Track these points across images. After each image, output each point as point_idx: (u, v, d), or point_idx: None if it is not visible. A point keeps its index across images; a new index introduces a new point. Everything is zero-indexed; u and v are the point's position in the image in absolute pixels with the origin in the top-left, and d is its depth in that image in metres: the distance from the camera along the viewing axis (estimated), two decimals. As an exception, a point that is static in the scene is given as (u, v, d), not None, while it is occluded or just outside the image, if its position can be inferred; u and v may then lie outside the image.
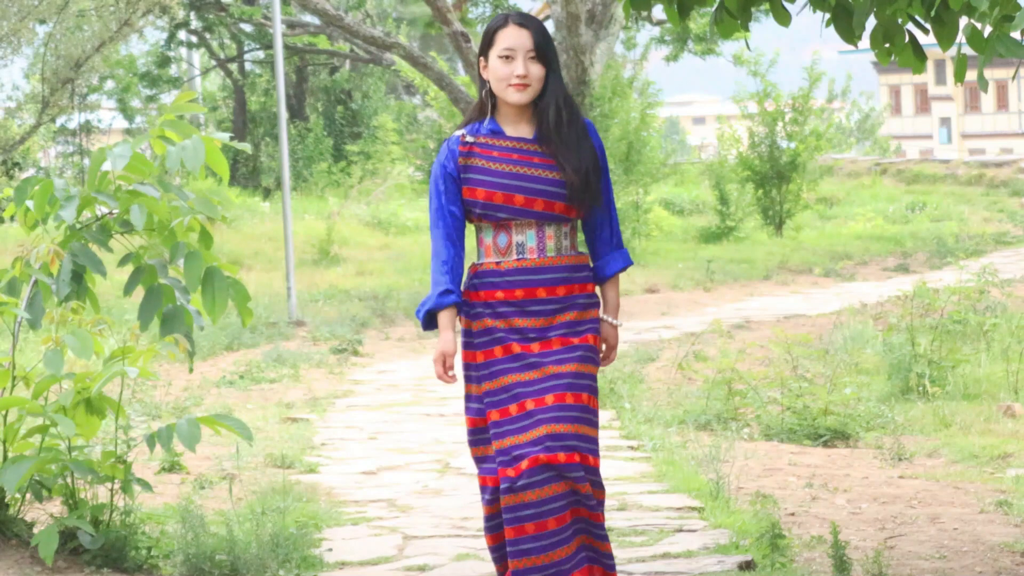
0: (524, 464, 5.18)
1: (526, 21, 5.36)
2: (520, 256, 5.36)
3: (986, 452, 9.18)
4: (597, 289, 5.52)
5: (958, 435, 9.83)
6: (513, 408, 5.26)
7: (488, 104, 5.42)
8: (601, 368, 5.51)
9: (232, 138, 6.80)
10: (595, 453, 5.30)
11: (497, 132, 5.40)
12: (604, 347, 5.51)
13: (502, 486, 5.23)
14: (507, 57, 5.33)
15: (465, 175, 5.36)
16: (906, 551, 6.88)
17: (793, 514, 7.65)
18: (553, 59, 5.36)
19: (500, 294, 5.34)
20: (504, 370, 5.30)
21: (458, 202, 5.36)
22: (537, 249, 5.36)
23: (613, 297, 5.51)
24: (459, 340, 5.42)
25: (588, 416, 5.30)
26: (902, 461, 9.15)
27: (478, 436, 5.39)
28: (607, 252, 5.48)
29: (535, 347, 5.31)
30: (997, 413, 10.46)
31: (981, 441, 9.51)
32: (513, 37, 5.34)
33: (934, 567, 6.61)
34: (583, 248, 5.53)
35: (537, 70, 5.33)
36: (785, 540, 6.65)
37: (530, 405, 5.24)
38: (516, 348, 5.31)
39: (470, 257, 5.49)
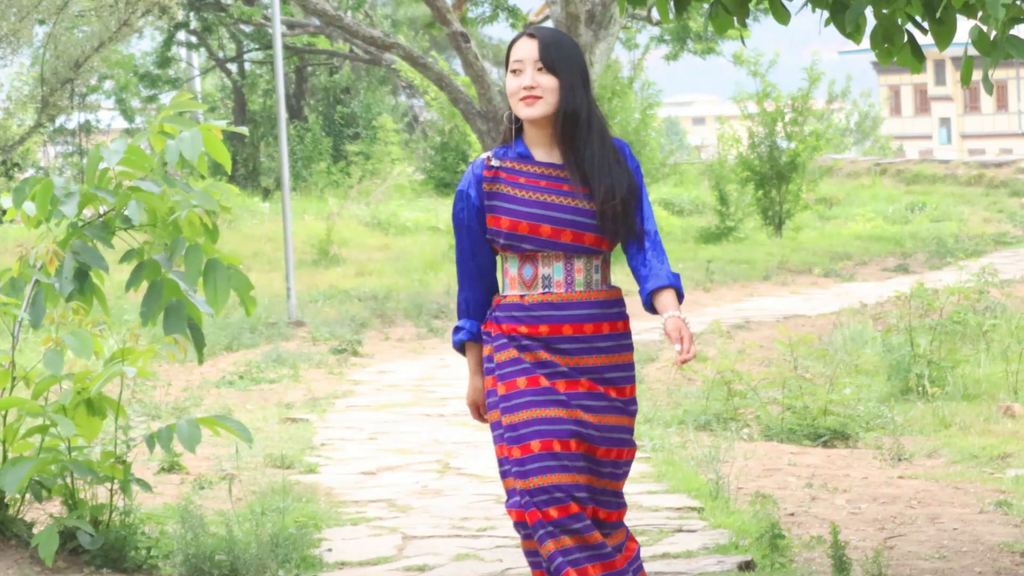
0: (553, 513, 4.85)
1: (537, 31, 4.99)
2: (546, 290, 4.96)
3: (986, 452, 9.18)
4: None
5: (958, 435, 9.83)
6: (536, 444, 4.86)
7: (511, 126, 5.05)
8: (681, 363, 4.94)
9: (230, 123, 6.78)
10: (619, 507, 5.00)
11: (525, 156, 5.01)
12: (680, 339, 4.86)
13: (541, 531, 4.86)
14: (516, 71, 4.96)
15: (489, 202, 4.98)
16: (906, 551, 6.88)
17: (793, 514, 7.65)
18: (564, 69, 4.94)
19: (524, 329, 4.95)
20: (526, 404, 4.91)
21: (481, 235, 5.02)
22: (564, 283, 4.96)
23: (666, 300, 4.94)
24: (466, 372, 5.10)
25: (615, 470, 4.97)
26: (902, 461, 9.15)
27: (506, 467, 5.00)
28: (646, 277, 4.96)
29: (561, 385, 4.91)
30: (997, 413, 10.46)
31: (981, 441, 9.51)
32: (521, 49, 4.97)
33: (934, 567, 6.61)
34: (617, 282, 5.13)
35: (547, 81, 4.93)
36: (785, 540, 6.65)
37: (556, 446, 4.86)
38: (543, 381, 4.91)
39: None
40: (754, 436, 10.05)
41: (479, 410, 5.11)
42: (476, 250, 5.03)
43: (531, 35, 4.99)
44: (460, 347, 5.14)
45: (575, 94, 4.95)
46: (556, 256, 4.96)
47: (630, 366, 5.04)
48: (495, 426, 5.03)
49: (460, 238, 5.06)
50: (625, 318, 5.05)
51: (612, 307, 5.00)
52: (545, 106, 4.95)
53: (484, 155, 5.07)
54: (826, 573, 6.43)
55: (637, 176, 5.03)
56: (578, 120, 4.95)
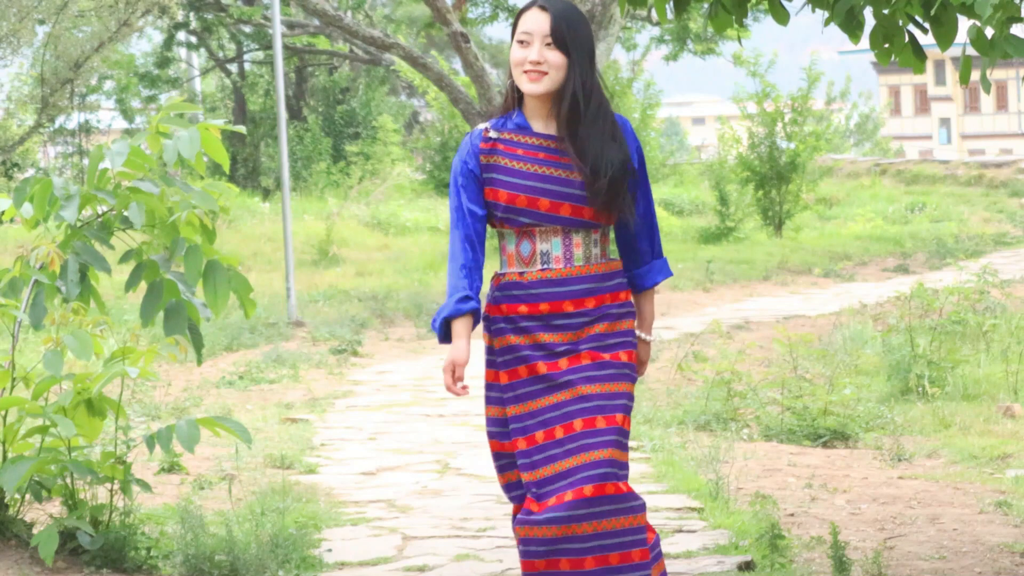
0: (568, 496, 4.73)
1: (550, 4, 4.86)
2: (545, 266, 4.88)
3: (985, 453, 9.18)
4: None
5: (957, 436, 9.83)
6: (540, 435, 4.81)
7: (513, 96, 4.95)
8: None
9: (228, 122, 6.77)
10: (625, 478, 4.83)
11: (523, 128, 4.93)
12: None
13: (523, 516, 4.78)
14: (523, 42, 4.84)
15: (487, 174, 4.89)
16: (905, 552, 6.88)
17: (792, 515, 7.65)
18: (575, 47, 4.83)
19: (524, 308, 4.87)
20: (530, 393, 4.85)
21: (479, 201, 4.90)
22: (563, 258, 4.88)
23: (649, 311, 5.07)
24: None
25: (620, 439, 4.83)
26: (901, 462, 9.15)
27: (503, 462, 4.96)
28: (646, 262, 5.02)
29: (563, 363, 4.84)
30: (996, 414, 10.46)
31: (980, 442, 9.51)
32: (531, 21, 4.85)
33: (933, 568, 6.60)
34: (615, 253, 5.06)
35: (555, 58, 4.83)
36: (785, 541, 6.65)
37: (559, 433, 4.79)
38: (542, 368, 4.84)
39: (490, 261, 5.07)
40: (754, 436, 10.05)
41: (454, 372, 4.86)
42: (476, 219, 4.91)
43: (543, 7, 4.87)
44: (449, 321, 4.89)
45: (582, 72, 4.86)
46: (554, 231, 4.89)
47: (631, 332, 4.96)
48: (493, 422, 4.96)
49: (460, 206, 4.92)
50: (626, 288, 4.98)
51: (612, 279, 4.95)
52: (550, 83, 4.86)
53: (481, 126, 4.99)
54: (826, 573, 6.43)
55: (637, 156, 4.95)
56: (574, 94, 4.86)
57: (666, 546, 7.03)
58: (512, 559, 6.82)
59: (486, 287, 5.11)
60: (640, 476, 8.71)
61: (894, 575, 6.46)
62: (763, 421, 10.24)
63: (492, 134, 4.95)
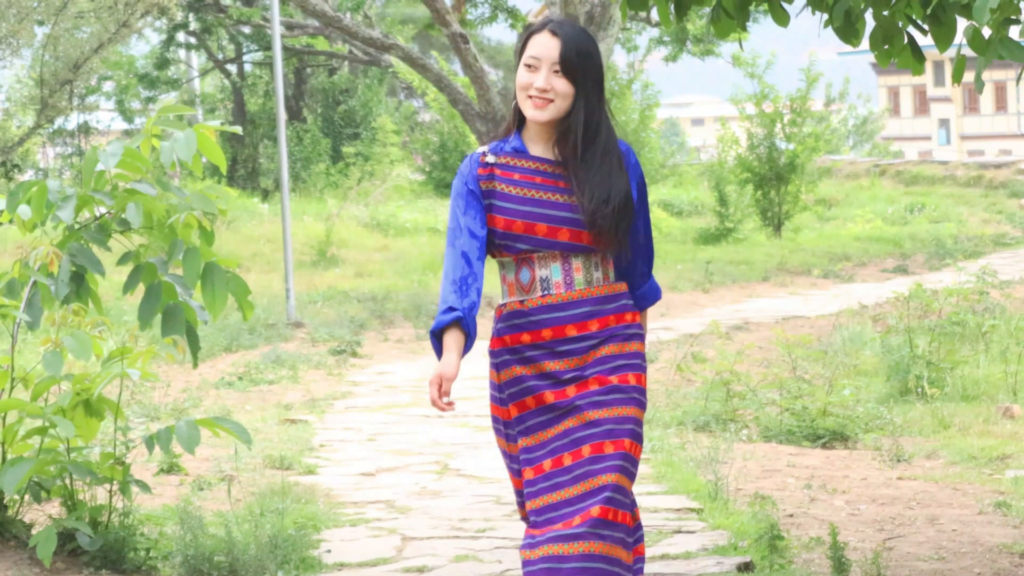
0: (576, 520, 4.61)
1: (561, 30, 4.72)
2: (545, 292, 4.74)
3: (985, 453, 9.19)
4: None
5: (957, 436, 9.83)
6: (548, 464, 4.70)
7: (514, 118, 4.82)
8: None
9: (223, 123, 6.77)
10: (630, 508, 4.75)
11: (520, 151, 4.79)
12: None
13: (527, 540, 4.68)
14: (531, 66, 4.71)
15: (487, 200, 4.76)
16: (905, 552, 6.89)
17: (792, 515, 7.65)
18: (584, 76, 4.71)
19: (527, 337, 4.74)
20: (539, 424, 4.72)
21: (479, 219, 4.74)
22: (564, 283, 4.74)
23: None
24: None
25: (627, 465, 4.71)
26: (901, 462, 9.16)
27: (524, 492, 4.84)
28: (639, 286, 4.91)
29: (570, 391, 4.71)
30: (996, 414, 10.46)
31: (980, 442, 9.52)
32: (541, 45, 4.71)
33: (933, 568, 6.61)
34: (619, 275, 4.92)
35: (562, 86, 4.70)
36: (784, 541, 6.65)
37: (567, 460, 4.68)
38: (549, 397, 4.72)
39: (489, 283, 4.87)
40: (753, 437, 10.05)
41: (441, 386, 4.64)
42: (474, 236, 4.75)
43: (553, 32, 4.73)
44: (439, 333, 4.71)
45: (588, 104, 4.74)
46: (552, 256, 4.75)
47: (640, 355, 4.83)
48: (510, 457, 4.86)
49: (458, 225, 4.78)
50: (633, 309, 4.84)
51: (616, 300, 4.80)
52: (555, 111, 4.73)
53: (480, 150, 4.86)
54: (825, 574, 6.43)
55: (637, 186, 4.83)
56: (588, 128, 4.74)
57: (665, 547, 7.03)
58: (511, 560, 6.82)
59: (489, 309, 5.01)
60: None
61: (893, 576, 6.47)
62: (762, 422, 10.24)
63: (489, 159, 4.79)
